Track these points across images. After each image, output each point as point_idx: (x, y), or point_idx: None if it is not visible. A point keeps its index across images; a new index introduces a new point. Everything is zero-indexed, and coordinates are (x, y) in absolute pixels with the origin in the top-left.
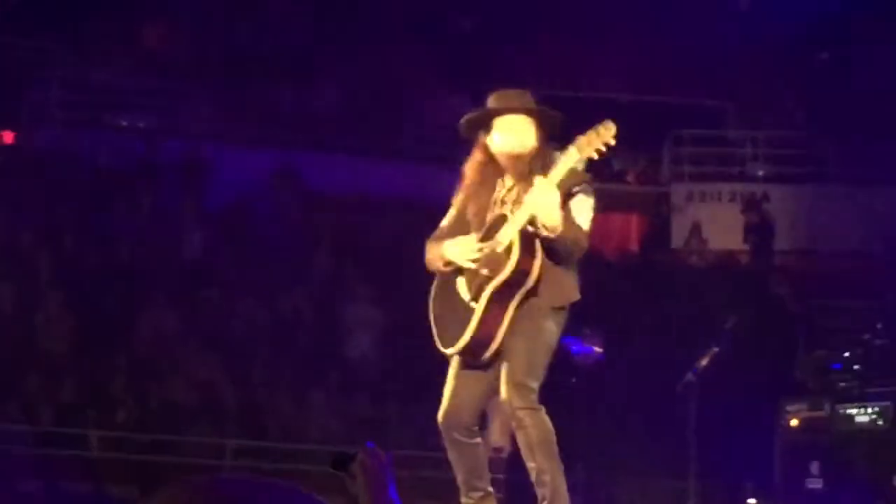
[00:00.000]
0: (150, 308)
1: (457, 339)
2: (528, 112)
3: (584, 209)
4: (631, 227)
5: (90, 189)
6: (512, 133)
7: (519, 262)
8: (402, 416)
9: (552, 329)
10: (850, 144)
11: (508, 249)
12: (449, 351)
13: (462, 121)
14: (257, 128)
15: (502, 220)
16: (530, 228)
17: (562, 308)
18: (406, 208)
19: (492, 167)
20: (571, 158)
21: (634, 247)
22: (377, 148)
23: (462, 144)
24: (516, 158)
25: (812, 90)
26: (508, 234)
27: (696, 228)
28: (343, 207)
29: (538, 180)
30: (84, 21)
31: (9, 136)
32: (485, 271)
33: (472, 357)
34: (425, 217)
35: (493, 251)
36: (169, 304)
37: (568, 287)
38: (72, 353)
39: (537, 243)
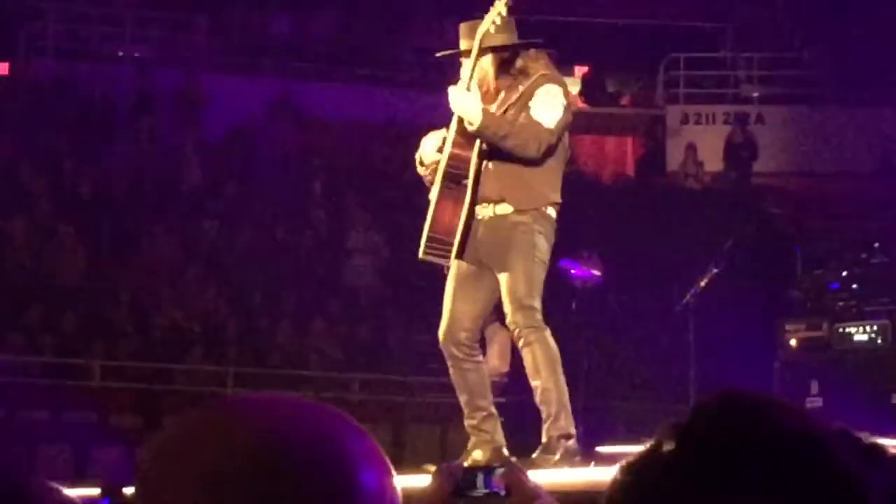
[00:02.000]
0: (151, 238)
1: (422, 238)
2: (468, 55)
3: (545, 104)
4: (626, 151)
5: (87, 120)
6: (484, 64)
7: (453, 152)
8: (403, 342)
9: (543, 244)
10: (845, 65)
11: (448, 144)
12: (421, 255)
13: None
14: (254, 57)
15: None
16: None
17: (539, 212)
18: (404, 134)
19: (481, 81)
20: (479, 44)
21: (630, 170)
22: (373, 75)
23: (454, 69)
24: (484, 93)
25: (807, 11)
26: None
27: (690, 150)
28: (341, 135)
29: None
30: None
31: (3, 68)
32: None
33: (440, 255)
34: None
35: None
36: (169, 234)
37: (540, 188)
38: (73, 283)
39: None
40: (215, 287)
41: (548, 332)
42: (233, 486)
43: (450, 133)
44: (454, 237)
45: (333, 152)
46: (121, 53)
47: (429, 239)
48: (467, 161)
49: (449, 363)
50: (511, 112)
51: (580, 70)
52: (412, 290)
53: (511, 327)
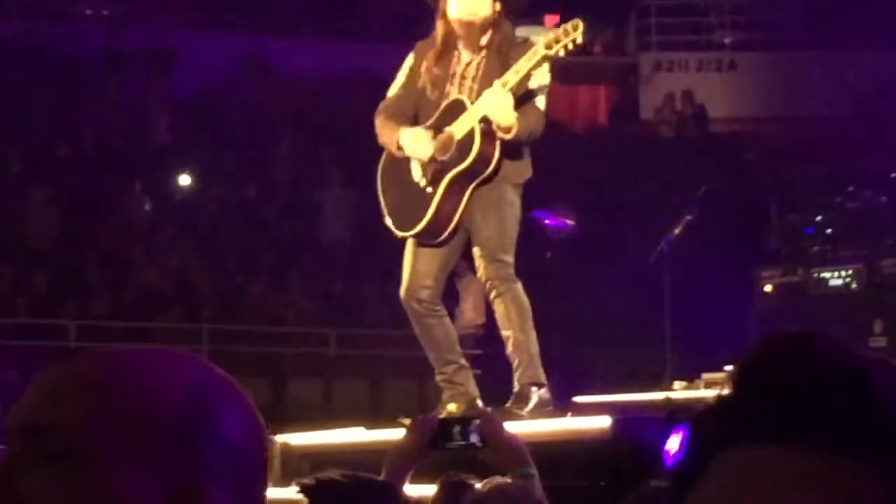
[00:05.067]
0: (122, 197)
1: (413, 223)
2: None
3: (540, 86)
4: (599, 100)
5: (57, 80)
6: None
7: (481, 152)
8: (378, 295)
9: (517, 203)
10: (817, 9)
11: (469, 139)
12: (404, 234)
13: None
14: (222, 13)
15: (459, 107)
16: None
17: (521, 185)
18: (373, 87)
19: (451, 38)
20: (536, 56)
21: (603, 119)
22: (343, 30)
23: (424, 22)
24: (468, 26)
25: None
26: (467, 124)
27: (669, 98)
28: (311, 90)
29: (496, 83)
30: None
31: None
32: (443, 158)
33: (428, 240)
34: None
35: (449, 139)
36: (140, 192)
37: (525, 165)
38: (45, 244)
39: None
40: (189, 245)
41: (518, 285)
42: (92, 432)
43: (462, 125)
44: (450, 224)
45: (304, 108)
46: (89, 12)
47: (427, 226)
48: (491, 157)
49: (412, 319)
50: (482, 75)
51: (551, 19)
52: (386, 244)
53: (483, 279)
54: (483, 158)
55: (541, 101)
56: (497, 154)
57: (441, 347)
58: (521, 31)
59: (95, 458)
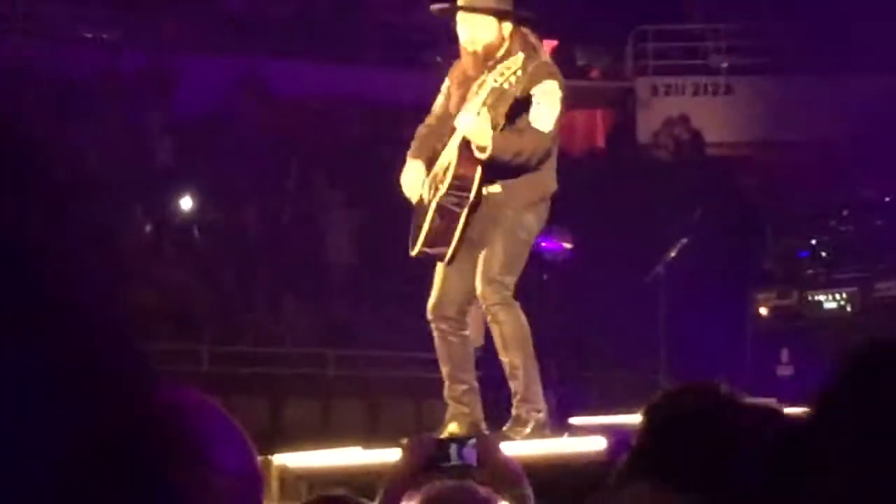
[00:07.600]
0: (122, 219)
1: (415, 243)
2: (477, 10)
3: (544, 109)
4: (596, 123)
5: (57, 103)
6: (465, 28)
7: (456, 176)
8: (375, 318)
9: (531, 222)
10: (813, 34)
11: (449, 164)
12: (412, 253)
13: (432, 8)
14: (221, 36)
15: (451, 131)
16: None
17: (539, 201)
18: (373, 111)
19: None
20: (485, 89)
21: (601, 142)
22: (341, 52)
23: (426, 47)
24: (470, 55)
25: None
26: (451, 149)
27: (666, 123)
28: (310, 112)
29: (473, 102)
30: None
31: None
32: (437, 184)
33: (435, 258)
34: (392, 119)
35: (440, 166)
36: (141, 214)
37: (536, 182)
38: None
39: None
40: (188, 267)
41: (516, 309)
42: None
43: (450, 146)
44: (449, 246)
45: (304, 129)
46: (89, 35)
47: (424, 248)
48: (471, 177)
49: (435, 334)
50: (495, 100)
51: (549, 44)
52: (384, 266)
53: (480, 301)
54: (460, 184)
55: (543, 122)
56: (476, 177)
57: (456, 365)
58: None
59: None
